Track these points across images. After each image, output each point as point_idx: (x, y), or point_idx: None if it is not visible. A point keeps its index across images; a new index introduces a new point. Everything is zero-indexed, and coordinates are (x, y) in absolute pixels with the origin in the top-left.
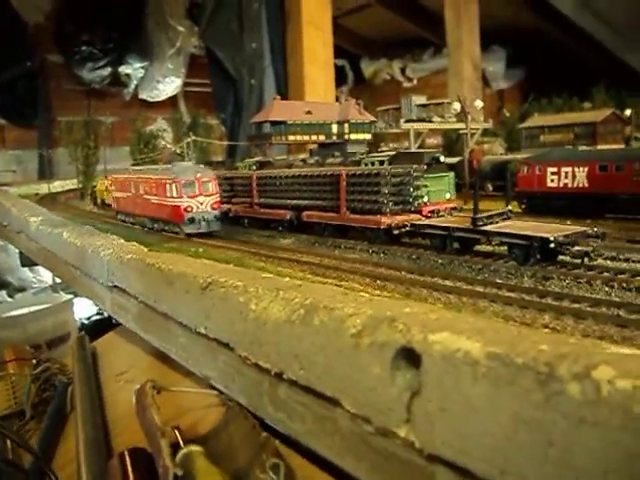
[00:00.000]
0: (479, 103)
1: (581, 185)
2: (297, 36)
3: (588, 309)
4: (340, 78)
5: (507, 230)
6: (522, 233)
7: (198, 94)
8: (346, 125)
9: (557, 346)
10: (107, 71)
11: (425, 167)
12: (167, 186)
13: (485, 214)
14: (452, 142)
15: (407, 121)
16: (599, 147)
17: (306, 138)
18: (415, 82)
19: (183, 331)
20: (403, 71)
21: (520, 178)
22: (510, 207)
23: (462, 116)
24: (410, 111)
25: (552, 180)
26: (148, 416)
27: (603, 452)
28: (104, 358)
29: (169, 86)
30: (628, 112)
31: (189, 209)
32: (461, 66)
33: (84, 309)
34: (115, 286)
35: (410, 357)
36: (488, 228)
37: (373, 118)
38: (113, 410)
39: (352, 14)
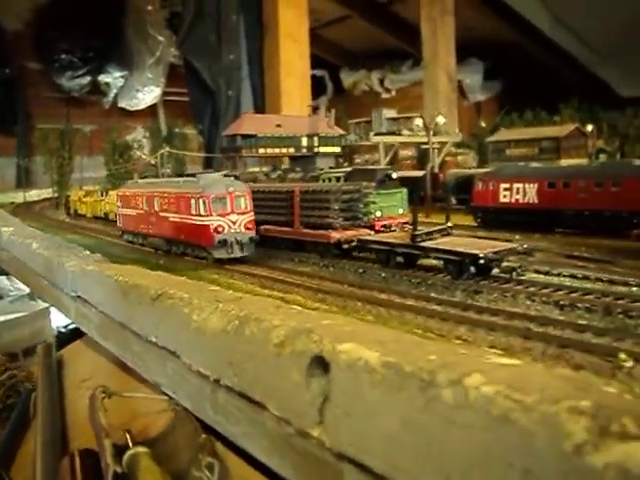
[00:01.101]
0: (441, 119)
1: (531, 201)
2: (274, 48)
3: (502, 322)
4: (320, 89)
5: (442, 246)
6: (455, 249)
7: (178, 103)
8: (315, 138)
9: (444, 356)
10: (86, 79)
11: (377, 183)
12: (192, 202)
13: (425, 230)
14: (424, 155)
15: (377, 134)
16: (556, 163)
17: (276, 151)
18: (393, 93)
19: (137, 340)
20: (382, 82)
21: (475, 193)
22: (450, 224)
23: (425, 131)
24: (380, 124)
25: (504, 196)
26: (96, 419)
27: (468, 450)
28: (69, 365)
29: (148, 95)
30: (590, 127)
31: (220, 229)
32: (436, 78)
33: (61, 317)
34: (78, 296)
35: (322, 365)
36: (426, 244)
37: (342, 132)
38: (74, 415)
39: (332, 25)
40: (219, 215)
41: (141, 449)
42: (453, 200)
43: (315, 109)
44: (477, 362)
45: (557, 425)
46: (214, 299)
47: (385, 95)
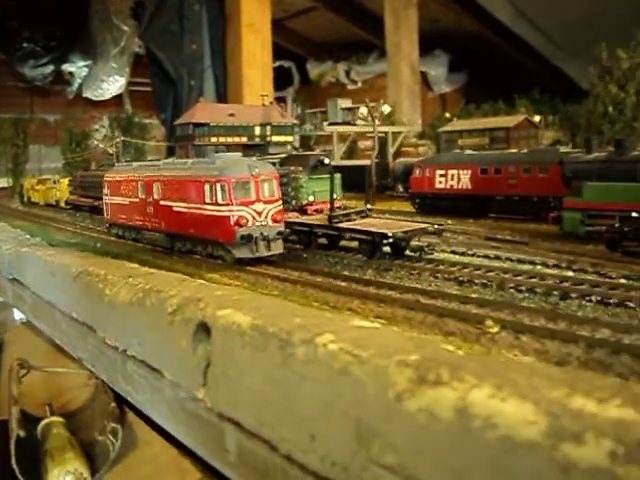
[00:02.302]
0: (387, 108)
1: (465, 187)
2: (236, 38)
3: (396, 295)
4: (286, 80)
5: (355, 227)
6: (366, 229)
7: (143, 94)
8: (268, 128)
9: (308, 320)
10: (49, 69)
11: (310, 169)
12: (206, 187)
13: (342, 212)
14: (384, 144)
15: (330, 124)
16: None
17: (229, 140)
18: (360, 85)
19: (63, 317)
20: (348, 74)
21: (413, 180)
22: (369, 205)
23: (370, 120)
24: (335, 114)
25: (440, 182)
26: (10, 389)
27: (317, 402)
28: (10, 346)
29: (113, 85)
30: (537, 118)
31: (242, 222)
32: (399, 70)
33: None
34: (14, 278)
35: (205, 331)
36: (341, 225)
37: (295, 121)
38: (4, 392)
39: (299, 16)
40: (241, 204)
41: (56, 419)
42: (400, 188)
43: (280, 100)
44: (335, 325)
45: (385, 376)
46: (126, 274)
47: (351, 86)
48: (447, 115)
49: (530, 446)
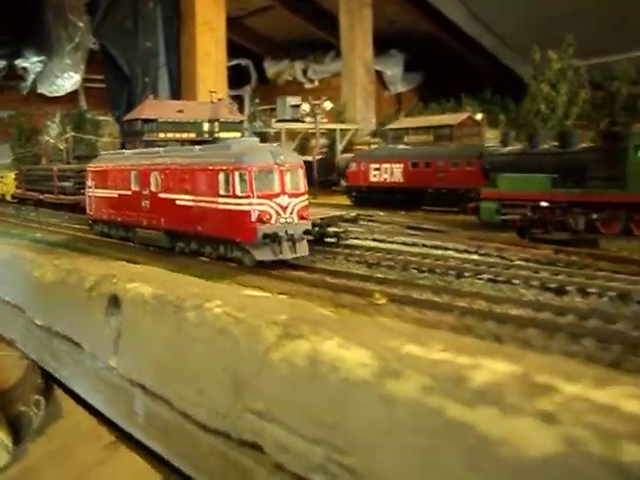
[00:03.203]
0: (328, 105)
1: (397, 180)
2: (191, 36)
3: (305, 275)
4: (244, 78)
5: None
6: None
7: (99, 90)
8: (216, 124)
9: (204, 290)
10: (2, 64)
11: None
12: (221, 177)
13: None
14: (334, 141)
15: (278, 121)
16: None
17: (177, 136)
18: (316, 83)
19: None
20: (305, 72)
21: (349, 173)
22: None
23: (312, 117)
24: (284, 111)
25: (374, 175)
26: None
27: (203, 360)
28: None
29: (68, 81)
30: (479, 116)
31: (265, 218)
32: (354, 70)
33: None
34: None
35: (116, 303)
36: None
37: (243, 118)
38: None
39: (257, 14)
40: (263, 197)
41: None
42: (343, 182)
43: (237, 98)
44: (226, 294)
45: (257, 333)
46: (54, 257)
47: (308, 85)
48: (403, 115)
49: (363, 384)
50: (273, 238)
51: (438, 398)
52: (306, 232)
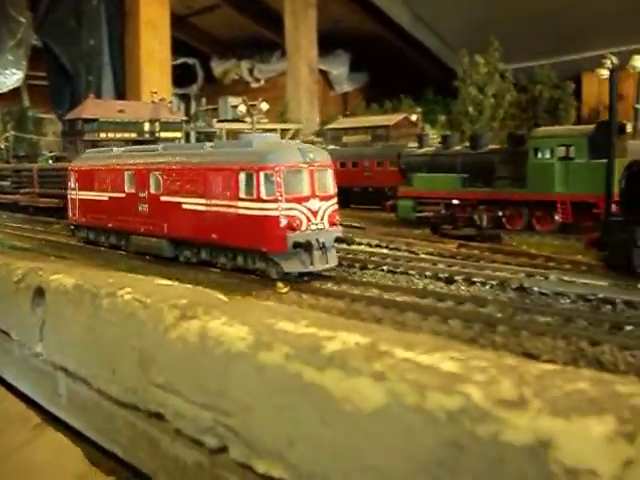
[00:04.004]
0: (265, 106)
1: None
2: (134, 35)
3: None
4: (191, 77)
5: None
6: None
7: (43, 88)
8: (157, 124)
9: (119, 280)
10: None
11: None
12: (242, 178)
13: None
14: None
15: (219, 121)
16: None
17: (118, 135)
18: (263, 83)
19: None
20: (251, 72)
21: None
22: None
23: (249, 117)
24: (226, 111)
25: None
26: None
27: (116, 341)
28: None
29: (10, 78)
30: (414, 116)
31: (295, 224)
32: (298, 69)
33: None
34: None
35: (41, 294)
36: None
37: (184, 118)
38: None
39: (203, 13)
40: (292, 200)
41: None
42: None
43: (184, 96)
44: (138, 283)
45: (160, 315)
46: None
47: (255, 84)
48: (348, 114)
49: (240, 355)
50: (306, 247)
51: (298, 364)
52: (337, 240)
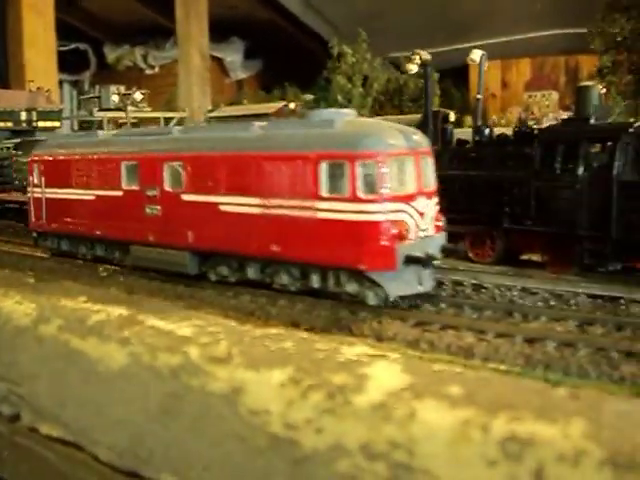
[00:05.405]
0: (138, 96)
1: None
2: (16, 19)
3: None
4: (84, 63)
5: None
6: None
7: None
8: (34, 113)
9: None
10: None
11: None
12: (323, 170)
13: None
14: None
15: (100, 110)
16: None
17: None
18: (157, 70)
19: None
20: (145, 58)
21: None
22: None
23: (122, 107)
24: (108, 100)
25: None
26: None
27: None
28: None
29: None
30: (292, 105)
31: (404, 232)
32: (190, 57)
33: None
34: None
35: None
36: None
37: (62, 107)
38: None
39: None
40: (399, 200)
41: None
42: None
43: (75, 83)
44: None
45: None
46: None
47: (149, 71)
48: (245, 102)
49: (25, 329)
50: (423, 263)
51: (67, 334)
52: (442, 248)
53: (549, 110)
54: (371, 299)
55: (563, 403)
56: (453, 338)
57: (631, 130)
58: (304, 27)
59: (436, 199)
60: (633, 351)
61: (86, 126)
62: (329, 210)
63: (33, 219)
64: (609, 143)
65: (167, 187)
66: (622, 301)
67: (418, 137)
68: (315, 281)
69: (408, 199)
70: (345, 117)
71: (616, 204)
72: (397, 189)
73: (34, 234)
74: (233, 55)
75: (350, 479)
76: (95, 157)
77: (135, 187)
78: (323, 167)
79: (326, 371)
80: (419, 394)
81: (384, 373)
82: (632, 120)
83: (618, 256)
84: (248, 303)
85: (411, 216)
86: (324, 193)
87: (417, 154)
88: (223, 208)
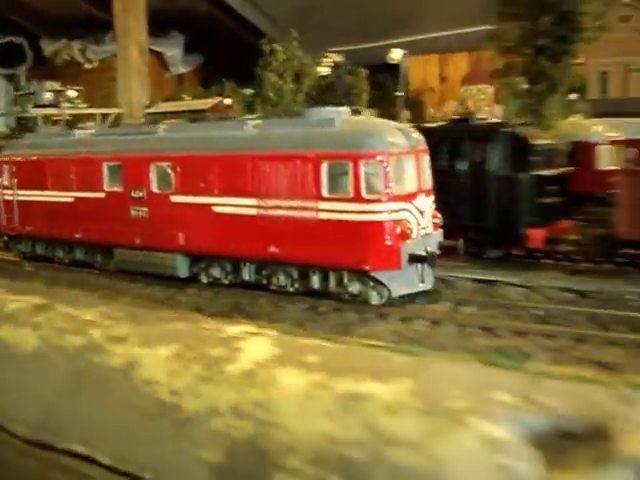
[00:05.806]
0: (73, 93)
1: None
2: None
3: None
4: (20, 57)
5: None
6: None
7: None
8: None
9: None
10: None
11: None
12: (324, 170)
13: None
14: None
15: (36, 106)
16: None
17: None
18: (96, 64)
19: None
20: (84, 52)
21: None
22: None
23: (57, 104)
24: (42, 97)
25: None
26: None
27: None
28: None
29: None
30: (228, 100)
31: (407, 232)
32: (129, 52)
33: None
34: None
35: None
36: None
37: None
38: None
39: None
40: (402, 199)
41: None
42: None
43: (12, 77)
44: None
45: None
46: None
47: (87, 65)
48: (186, 97)
49: None
50: (428, 261)
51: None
52: (440, 246)
53: (484, 104)
54: (374, 299)
55: (400, 368)
56: (337, 319)
57: (502, 130)
58: (245, 21)
59: (433, 197)
60: (489, 326)
61: (24, 123)
62: (331, 210)
63: (4, 222)
64: (485, 142)
65: (154, 188)
66: (497, 284)
67: (417, 135)
68: (315, 282)
69: (410, 198)
70: (340, 115)
71: (491, 197)
72: (399, 188)
73: (5, 238)
74: (173, 49)
75: (223, 436)
76: (73, 157)
77: (119, 188)
78: (324, 167)
79: (208, 346)
80: (282, 362)
81: (256, 346)
82: (521, 121)
83: (496, 244)
84: (159, 292)
85: (413, 215)
86: (325, 193)
87: (417, 152)
88: (217, 209)
